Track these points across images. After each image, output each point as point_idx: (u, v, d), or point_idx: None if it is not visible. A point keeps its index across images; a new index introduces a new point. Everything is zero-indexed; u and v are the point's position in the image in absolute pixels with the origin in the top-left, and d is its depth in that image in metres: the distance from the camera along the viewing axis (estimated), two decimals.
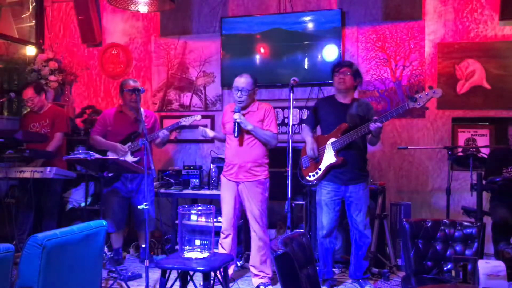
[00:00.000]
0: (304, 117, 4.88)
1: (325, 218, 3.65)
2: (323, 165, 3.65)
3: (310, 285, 2.00)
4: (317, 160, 3.69)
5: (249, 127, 3.61)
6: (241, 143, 3.68)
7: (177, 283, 3.02)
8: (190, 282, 3.05)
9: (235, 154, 3.71)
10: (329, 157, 3.62)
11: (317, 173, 3.68)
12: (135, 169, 3.81)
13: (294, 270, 1.86)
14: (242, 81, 3.66)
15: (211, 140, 5.18)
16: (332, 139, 3.61)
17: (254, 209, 3.66)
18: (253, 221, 3.67)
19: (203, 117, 4.41)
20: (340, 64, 3.77)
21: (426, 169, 4.63)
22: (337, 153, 3.59)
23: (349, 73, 3.65)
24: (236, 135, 3.61)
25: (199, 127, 3.77)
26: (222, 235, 3.76)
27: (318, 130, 3.90)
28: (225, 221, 3.76)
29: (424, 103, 3.34)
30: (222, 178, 3.85)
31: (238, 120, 3.58)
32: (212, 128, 5.15)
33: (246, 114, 3.68)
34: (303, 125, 3.94)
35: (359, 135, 3.52)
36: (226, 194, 3.78)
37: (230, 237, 3.76)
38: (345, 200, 3.66)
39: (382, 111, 4.59)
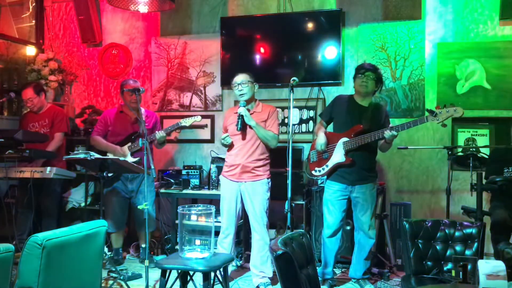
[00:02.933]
0: (304, 117, 4.89)
1: (330, 218, 3.65)
2: (330, 163, 3.65)
3: (310, 285, 2.00)
4: (326, 156, 3.69)
5: (252, 122, 3.64)
6: (244, 143, 3.69)
7: (177, 283, 3.02)
8: (190, 282, 3.06)
9: (238, 154, 3.71)
10: (338, 156, 3.61)
11: (323, 169, 3.68)
12: (135, 169, 3.81)
13: (294, 270, 1.86)
14: (239, 76, 3.73)
15: (211, 140, 5.19)
16: (345, 139, 3.60)
17: (255, 209, 3.66)
18: (254, 221, 3.68)
19: (203, 117, 4.41)
20: (365, 67, 3.67)
21: (426, 169, 4.62)
22: (347, 153, 3.59)
23: (374, 78, 3.61)
24: (238, 129, 3.62)
25: (223, 135, 3.78)
26: (222, 235, 3.76)
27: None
28: (225, 221, 3.76)
29: (443, 120, 3.30)
30: (222, 178, 3.84)
31: (242, 114, 3.60)
32: (212, 129, 5.16)
33: (251, 115, 3.70)
34: (318, 119, 3.90)
35: (372, 140, 3.50)
36: (227, 194, 3.78)
37: (230, 237, 3.76)
38: (352, 200, 3.65)
39: None
